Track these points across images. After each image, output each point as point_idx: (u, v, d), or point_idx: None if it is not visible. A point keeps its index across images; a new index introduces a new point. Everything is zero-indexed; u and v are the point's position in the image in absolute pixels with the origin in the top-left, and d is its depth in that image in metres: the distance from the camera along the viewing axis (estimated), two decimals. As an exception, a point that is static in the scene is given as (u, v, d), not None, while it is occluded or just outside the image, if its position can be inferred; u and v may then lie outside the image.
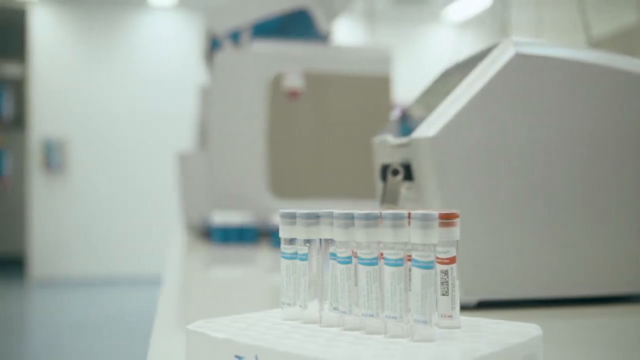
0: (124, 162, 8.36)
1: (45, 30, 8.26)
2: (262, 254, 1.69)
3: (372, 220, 0.50)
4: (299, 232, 0.55)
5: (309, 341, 0.47)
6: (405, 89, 4.61)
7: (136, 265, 8.32)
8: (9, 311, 6.46)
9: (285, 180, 2.05)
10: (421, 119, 0.86)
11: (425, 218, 0.48)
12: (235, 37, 2.14)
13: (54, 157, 8.18)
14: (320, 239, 0.55)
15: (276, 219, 1.76)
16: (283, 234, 0.56)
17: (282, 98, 2.04)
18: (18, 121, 8.85)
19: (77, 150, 8.27)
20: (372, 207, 1.88)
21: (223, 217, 1.84)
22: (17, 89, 8.68)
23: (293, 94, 2.05)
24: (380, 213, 0.50)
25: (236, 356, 0.47)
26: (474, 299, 0.81)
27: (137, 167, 8.37)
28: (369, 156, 2.03)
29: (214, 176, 2.00)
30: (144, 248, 8.33)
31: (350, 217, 0.51)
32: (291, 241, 0.56)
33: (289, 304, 0.55)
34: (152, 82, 8.43)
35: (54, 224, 8.20)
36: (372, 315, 0.50)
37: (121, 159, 8.35)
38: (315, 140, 2.07)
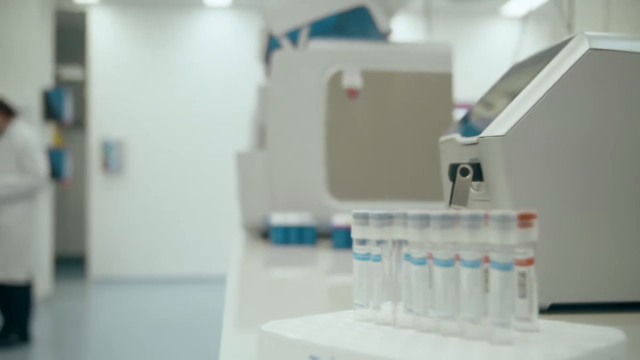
0: (181, 162, 8.51)
1: (103, 32, 8.49)
2: (322, 255, 1.70)
3: (448, 220, 0.50)
4: (372, 232, 0.55)
5: (386, 343, 0.47)
6: (465, 86, 4.56)
7: (192, 265, 8.47)
8: (71, 308, 6.67)
9: (344, 181, 2.06)
10: (490, 117, 0.85)
11: (503, 218, 0.48)
12: (292, 35, 2.16)
13: (112, 158, 8.40)
14: (394, 240, 0.55)
15: (336, 220, 1.77)
16: (355, 234, 0.57)
17: (340, 97, 2.04)
18: (78, 122, 9.12)
19: (135, 150, 8.47)
20: (436, 208, 1.87)
21: (282, 218, 1.85)
22: (77, 90, 8.95)
23: (352, 93, 2.05)
24: (457, 213, 0.50)
25: (311, 357, 0.47)
26: (546, 302, 0.80)
27: (194, 167, 8.51)
28: (431, 156, 2.01)
29: (273, 176, 2.02)
30: (200, 248, 8.47)
31: (425, 218, 0.51)
32: (363, 242, 0.56)
33: (362, 305, 0.56)
34: (208, 82, 8.57)
35: (112, 224, 8.42)
36: (448, 318, 0.50)
37: (178, 159, 8.51)
38: (375, 139, 2.06)
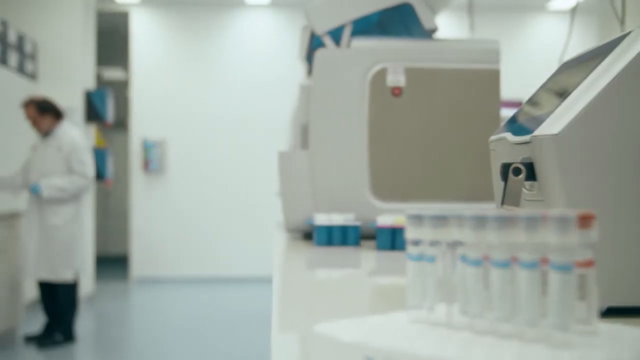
0: (221, 162, 8.59)
1: (144, 32, 8.63)
2: (365, 256, 1.70)
3: (505, 221, 0.50)
4: (426, 233, 0.55)
5: (442, 345, 0.47)
6: (510, 84, 4.50)
7: (231, 265, 8.54)
8: (112, 307, 6.79)
9: (388, 181, 2.05)
10: (542, 116, 0.84)
11: (563, 219, 0.47)
12: (335, 34, 2.16)
13: (152, 158, 8.53)
14: (448, 241, 0.55)
15: (380, 221, 1.77)
16: (409, 235, 0.57)
17: (384, 95, 2.04)
18: (118, 123, 9.28)
19: (175, 150, 8.58)
20: (484, 209, 1.85)
21: (326, 219, 1.85)
22: (118, 91, 9.11)
23: (396, 91, 2.04)
24: (514, 214, 0.50)
25: (367, 358, 0.48)
26: (603, 305, 0.79)
27: (233, 167, 8.59)
28: (478, 155, 2.00)
29: (315, 176, 2.03)
30: (239, 249, 8.53)
31: (482, 219, 0.51)
32: (417, 243, 0.56)
33: (416, 306, 0.56)
34: (248, 81, 8.63)
35: (153, 224, 8.55)
36: (505, 320, 0.50)
37: (218, 159, 8.60)
38: (419, 138, 2.05)
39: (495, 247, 0.51)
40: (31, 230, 4.94)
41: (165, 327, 5.74)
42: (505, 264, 0.50)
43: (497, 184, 0.92)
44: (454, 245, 0.55)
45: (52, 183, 4.85)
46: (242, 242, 8.53)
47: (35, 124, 4.94)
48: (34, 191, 4.85)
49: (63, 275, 4.94)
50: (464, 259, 0.53)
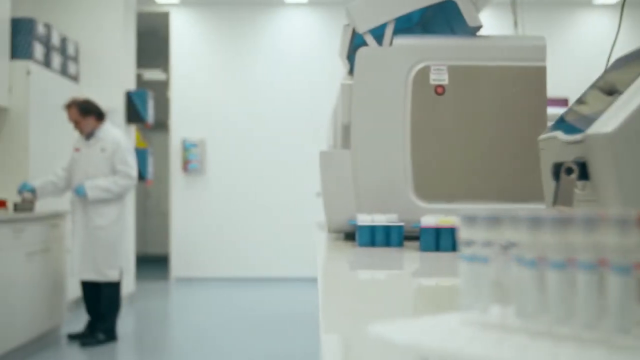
0: (260, 162, 8.65)
1: (184, 32, 8.73)
2: (409, 257, 1.69)
3: (563, 222, 0.49)
4: (479, 233, 0.55)
5: (498, 347, 0.47)
6: (555, 81, 4.44)
7: (270, 265, 8.59)
8: (153, 306, 6.89)
9: (431, 181, 2.04)
10: (594, 114, 0.83)
11: (623, 220, 0.47)
12: (377, 32, 2.16)
13: (192, 158, 8.63)
14: (502, 242, 0.55)
15: (424, 221, 1.76)
16: (462, 235, 0.57)
17: (426, 94, 2.03)
18: (158, 123, 9.39)
19: (215, 151, 8.67)
20: (537, 209, 1.82)
21: (368, 219, 1.85)
22: (158, 91, 9.23)
23: (439, 90, 2.03)
24: (571, 215, 0.49)
25: (422, 359, 0.48)
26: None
27: (272, 167, 8.63)
28: (524, 154, 1.98)
29: (358, 176, 2.03)
30: (278, 249, 8.57)
31: (538, 219, 0.51)
32: (470, 243, 0.56)
33: (469, 308, 0.56)
34: (287, 80, 8.67)
35: (192, 224, 8.65)
36: (562, 322, 0.50)
37: (257, 159, 8.65)
38: (463, 137, 2.04)
39: (552, 248, 0.51)
40: (76, 231, 5.04)
41: (204, 327, 5.80)
42: (562, 266, 0.50)
43: (548, 183, 0.91)
44: (508, 246, 0.55)
45: (97, 184, 4.94)
46: (282, 243, 8.57)
47: (77, 125, 5.04)
48: (79, 193, 4.95)
49: (108, 275, 5.04)
50: (519, 260, 0.53)
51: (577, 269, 0.49)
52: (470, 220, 0.56)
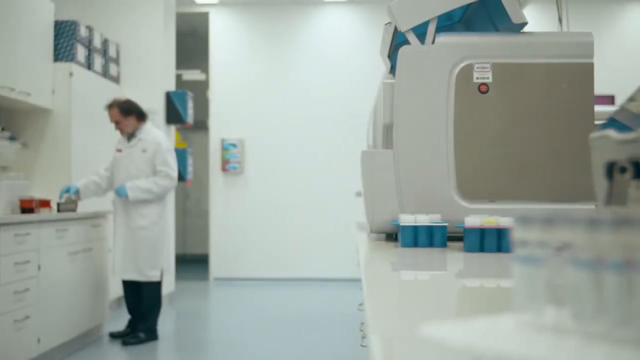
0: (299, 162, 8.67)
1: (223, 32, 8.81)
2: (453, 257, 1.68)
3: (622, 223, 0.49)
4: (534, 234, 0.55)
5: (555, 351, 0.47)
6: (603, 77, 4.36)
7: (311, 266, 8.60)
8: (192, 306, 6.96)
9: (475, 181, 2.03)
10: (649, 111, 0.81)
11: (685, 221, 0.46)
12: (419, 30, 2.15)
13: (231, 159, 8.70)
14: (557, 243, 0.54)
15: (468, 221, 1.75)
16: (517, 236, 0.56)
17: (470, 92, 2.02)
18: (197, 123, 9.49)
19: (254, 150, 8.72)
20: (590, 210, 1.80)
21: (411, 219, 1.85)
22: (197, 91, 9.33)
23: (482, 88, 2.02)
24: (630, 215, 0.49)
25: (477, 361, 0.48)
26: None
27: (312, 167, 8.64)
28: (571, 153, 1.95)
29: (400, 176, 2.02)
30: (318, 249, 8.59)
31: (595, 220, 0.50)
32: (524, 244, 0.56)
33: (523, 309, 0.55)
34: (326, 79, 8.67)
35: (231, 224, 8.71)
36: (620, 324, 0.49)
37: (296, 159, 8.68)
38: (507, 136, 2.02)
39: (610, 250, 0.50)
40: (117, 231, 5.12)
41: (243, 327, 5.85)
42: (621, 267, 0.49)
43: (600, 183, 0.89)
44: (562, 247, 0.55)
45: (138, 185, 5.01)
46: (320, 244, 8.58)
47: (118, 125, 5.11)
48: (120, 193, 5.03)
49: (149, 275, 5.11)
50: (575, 261, 0.52)
51: (637, 270, 0.48)
52: (525, 220, 0.55)
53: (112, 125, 5.20)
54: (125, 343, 5.08)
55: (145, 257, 5.08)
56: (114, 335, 5.24)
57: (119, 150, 5.18)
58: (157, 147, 5.11)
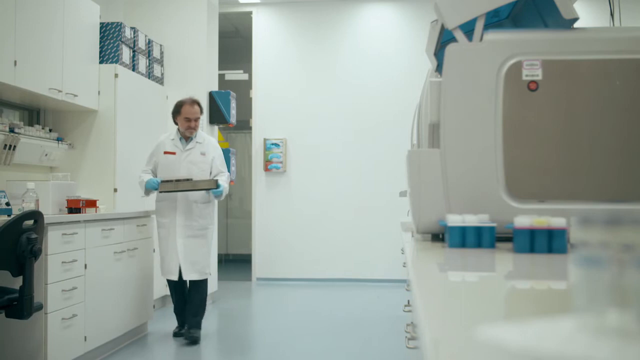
0: (342, 162, 8.66)
1: (266, 32, 8.85)
2: (502, 258, 1.66)
3: (689, 223, 0.47)
4: (595, 235, 0.54)
5: (620, 354, 0.46)
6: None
7: (355, 267, 8.59)
8: (236, 306, 7.02)
9: (524, 180, 2.00)
10: None
11: None
12: (466, 27, 2.13)
13: (274, 158, 8.74)
14: (620, 244, 0.53)
15: (517, 222, 1.72)
16: (577, 236, 0.55)
17: (519, 90, 1.99)
18: (240, 123, 9.58)
19: (296, 150, 8.75)
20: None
21: (459, 219, 1.83)
22: (239, 91, 9.41)
23: (532, 85, 1.99)
24: (698, 215, 0.48)
25: (537, 364, 0.47)
26: None
27: (355, 167, 8.62)
28: (625, 152, 1.91)
29: (447, 176, 2.01)
30: (362, 250, 8.57)
31: (661, 220, 0.49)
32: (585, 245, 0.55)
33: (583, 311, 0.54)
34: (370, 78, 8.64)
35: (274, 225, 8.75)
36: (688, 329, 0.48)
37: (339, 158, 8.67)
38: (558, 134, 1.99)
39: (676, 251, 0.49)
40: (178, 232, 5.15)
41: (285, 327, 5.87)
42: (688, 269, 0.48)
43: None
44: (625, 248, 0.53)
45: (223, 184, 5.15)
46: (364, 244, 8.56)
47: (196, 123, 5.20)
48: (218, 193, 5.12)
49: (207, 273, 5.25)
50: (639, 263, 0.51)
51: None
52: (586, 221, 0.54)
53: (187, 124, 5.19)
54: (194, 340, 5.16)
55: (205, 256, 5.22)
56: (177, 334, 5.37)
57: (173, 153, 5.20)
58: (216, 150, 5.30)
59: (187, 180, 5.02)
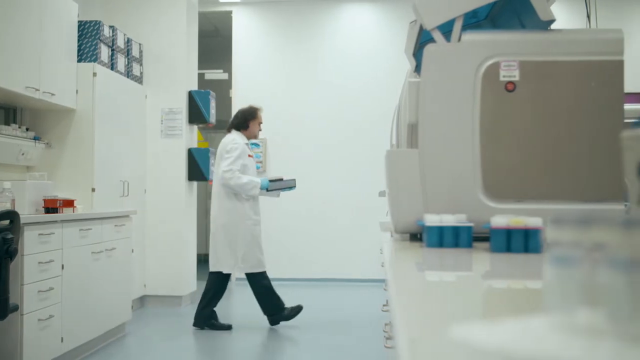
0: (322, 161, 8.65)
1: (245, 32, 8.83)
2: (479, 258, 1.67)
3: (659, 222, 0.48)
4: (568, 235, 0.54)
5: (591, 352, 0.46)
6: (630, 75, 4.30)
7: (336, 267, 8.59)
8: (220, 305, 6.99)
9: (501, 180, 2.01)
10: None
11: None
12: (444, 28, 2.14)
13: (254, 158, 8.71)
14: (591, 243, 0.53)
15: (494, 221, 1.73)
16: (550, 236, 0.56)
17: (497, 90, 2.00)
18: (220, 123, 9.53)
19: (276, 150, 8.73)
20: (618, 210, 1.77)
21: (437, 219, 1.84)
22: (219, 91, 9.36)
23: (509, 86, 2.00)
24: (668, 215, 0.48)
25: (510, 364, 0.47)
26: None
27: (335, 167, 8.63)
28: (600, 152, 1.93)
29: (425, 176, 2.01)
30: (343, 250, 8.57)
31: (631, 221, 0.49)
32: (557, 245, 0.55)
33: (556, 310, 0.55)
34: (350, 79, 8.65)
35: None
36: (658, 328, 0.48)
37: (319, 158, 8.67)
38: (535, 135, 2.00)
39: (647, 250, 0.49)
40: (241, 230, 5.57)
41: (267, 326, 5.86)
42: (658, 268, 0.48)
43: (632, 182, 0.88)
44: (596, 247, 0.54)
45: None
46: (345, 244, 8.57)
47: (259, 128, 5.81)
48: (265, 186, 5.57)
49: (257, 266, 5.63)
50: (611, 262, 0.52)
51: (675, 272, 0.48)
52: (559, 221, 0.55)
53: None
54: (275, 321, 5.73)
55: (254, 250, 5.71)
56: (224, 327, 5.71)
57: (250, 156, 5.71)
58: (224, 147, 5.68)
59: (280, 179, 5.65)
